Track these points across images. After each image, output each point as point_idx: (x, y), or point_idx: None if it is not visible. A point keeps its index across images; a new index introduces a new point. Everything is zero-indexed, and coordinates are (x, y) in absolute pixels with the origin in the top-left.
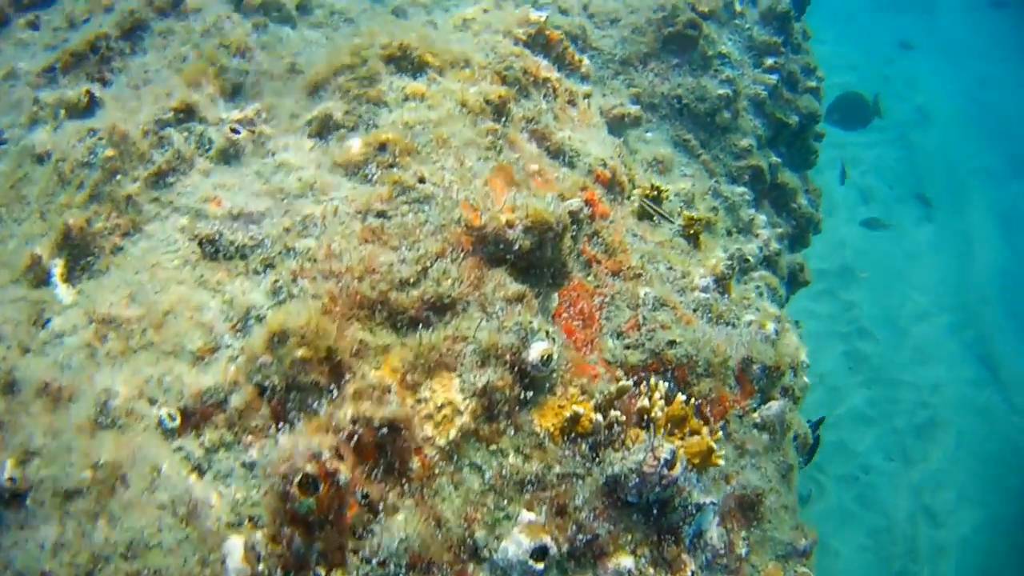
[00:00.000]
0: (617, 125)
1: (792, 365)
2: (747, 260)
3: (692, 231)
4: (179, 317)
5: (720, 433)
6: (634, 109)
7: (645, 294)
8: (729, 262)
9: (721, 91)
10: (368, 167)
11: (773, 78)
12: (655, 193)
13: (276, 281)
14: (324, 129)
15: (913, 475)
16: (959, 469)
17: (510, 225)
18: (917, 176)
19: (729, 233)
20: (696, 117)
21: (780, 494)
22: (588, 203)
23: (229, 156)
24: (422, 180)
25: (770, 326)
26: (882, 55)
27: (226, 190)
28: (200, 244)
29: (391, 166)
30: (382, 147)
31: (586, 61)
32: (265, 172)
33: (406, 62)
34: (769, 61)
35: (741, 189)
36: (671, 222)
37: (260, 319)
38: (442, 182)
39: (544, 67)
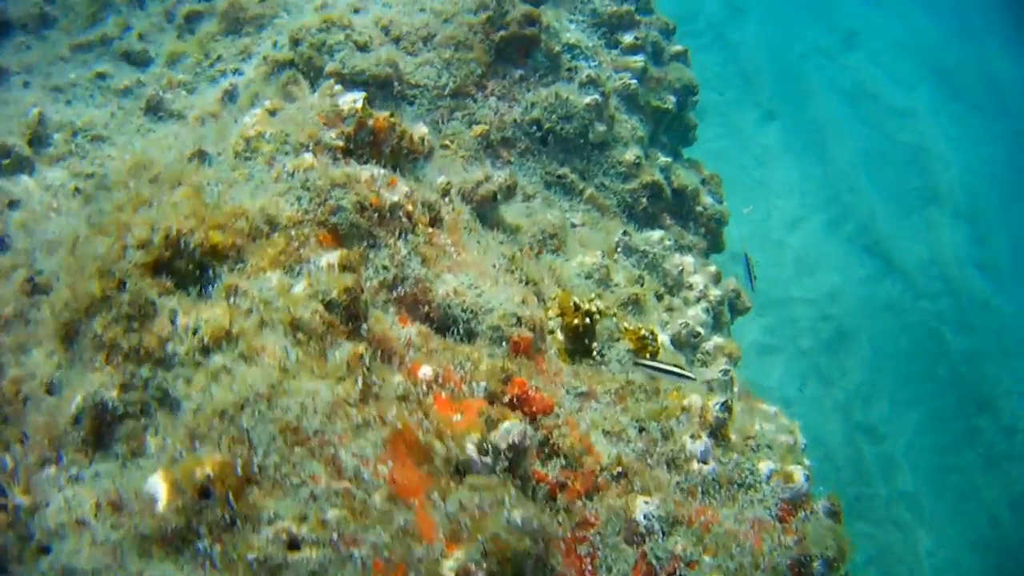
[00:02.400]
0: (490, 209)
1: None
2: (697, 333)
3: (648, 351)
4: None
5: None
6: (501, 177)
7: (644, 515)
8: (721, 406)
9: (587, 99)
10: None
11: (639, 60)
12: (644, 340)
13: None
14: (99, 438)
15: (836, 394)
16: (882, 375)
17: None
18: (745, 76)
19: (660, 297)
20: (565, 142)
21: None
22: (520, 400)
23: None
24: (292, 545)
25: (798, 475)
26: None
27: None
28: None
29: (226, 526)
30: (203, 494)
31: (425, 133)
32: None
33: (183, 260)
34: (627, 38)
35: (657, 235)
36: (688, 377)
37: None
38: (320, 534)
39: (383, 186)
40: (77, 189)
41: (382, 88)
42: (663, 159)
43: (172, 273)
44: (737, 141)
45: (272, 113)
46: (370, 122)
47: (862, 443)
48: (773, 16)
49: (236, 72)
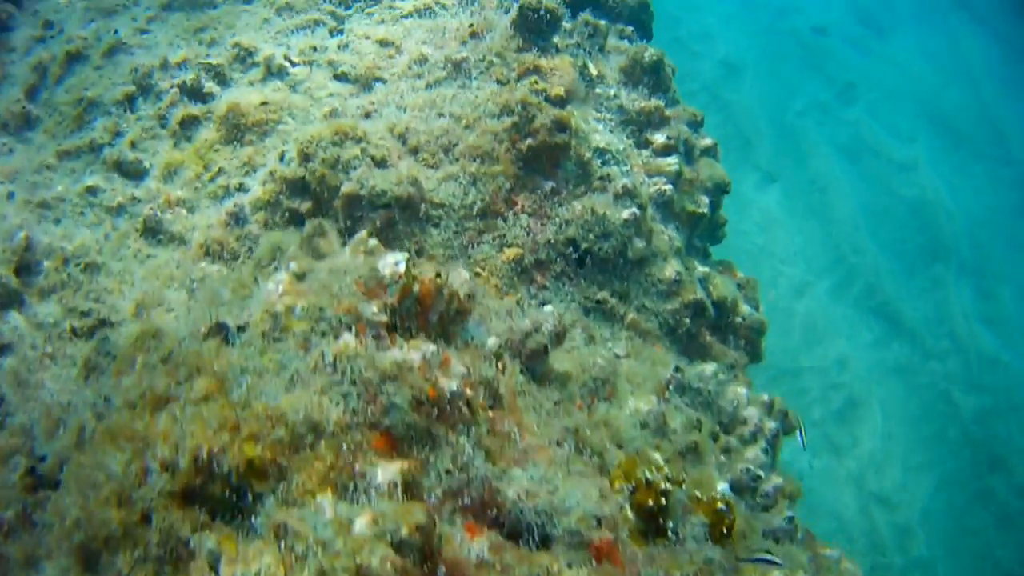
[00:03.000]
0: (539, 362)
1: None
2: (758, 476)
3: (724, 524)
4: None
5: None
6: (549, 324)
7: None
8: None
9: (625, 214)
10: None
11: (673, 162)
12: (720, 514)
13: None
14: None
15: (849, 465)
16: (894, 442)
17: None
18: (744, 138)
19: (715, 438)
20: (603, 262)
21: None
22: None
23: None
24: None
25: None
26: (669, 17)
27: None
28: None
29: None
30: None
31: (467, 280)
32: None
33: (217, 485)
34: (659, 138)
35: (710, 369)
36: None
37: None
38: None
39: (437, 368)
40: (73, 331)
41: (404, 209)
42: (700, 269)
43: (204, 500)
44: (738, 206)
45: (300, 277)
46: (415, 288)
47: (876, 513)
48: (769, 73)
49: (240, 188)
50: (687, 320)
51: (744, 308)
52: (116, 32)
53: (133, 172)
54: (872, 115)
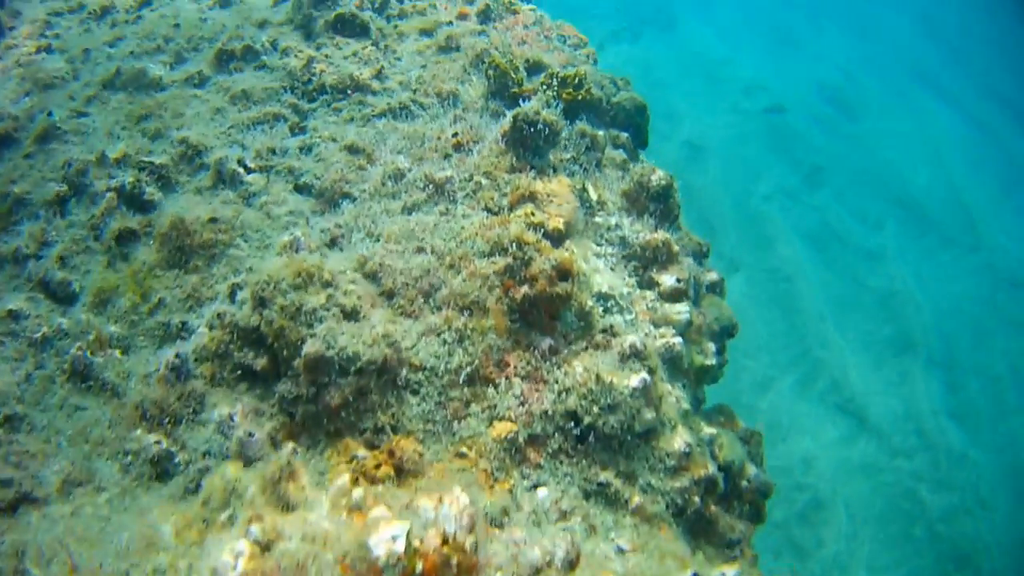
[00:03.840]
0: None
1: None
2: None
3: None
4: None
5: None
6: (560, 549)
7: None
8: None
9: (633, 381)
10: None
11: (682, 311)
12: None
13: None
14: None
15: (813, 568)
16: (859, 544)
17: None
18: (708, 224)
19: None
20: (608, 438)
21: None
22: None
23: None
24: None
25: None
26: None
27: None
28: None
29: None
30: None
31: (471, 529)
32: None
33: None
34: (667, 281)
35: (731, 574)
36: None
37: None
38: None
39: None
40: None
41: (379, 376)
42: (707, 430)
43: None
44: None
45: (264, 547)
46: (419, 566)
47: None
48: (734, 155)
49: (183, 330)
50: (697, 499)
51: (750, 469)
52: (50, 114)
53: (61, 295)
54: (839, 200)
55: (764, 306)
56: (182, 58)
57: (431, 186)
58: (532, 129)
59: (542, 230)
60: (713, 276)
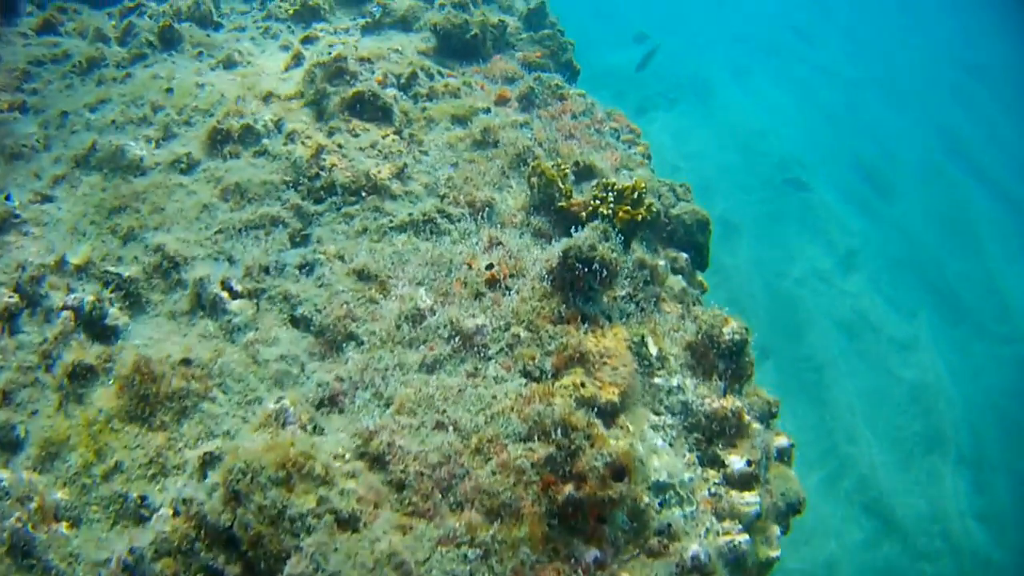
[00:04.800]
0: None
1: None
2: None
3: None
4: None
5: None
6: None
7: None
8: None
9: None
10: None
11: (753, 503)
12: None
13: None
14: None
15: None
16: None
17: None
18: (738, 306)
19: None
20: None
21: None
22: None
23: None
24: None
25: None
26: (669, 167)
27: None
28: None
29: None
30: None
31: None
32: None
33: None
34: (736, 464)
35: None
36: None
37: None
38: None
39: None
40: None
41: None
42: None
43: None
44: None
45: None
46: None
47: None
48: (768, 234)
49: (143, 505)
50: None
51: None
52: (8, 198)
53: (3, 440)
54: (874, 285)
55: (794, 397)
56: (171, 133)
57: (457, 337)
58: (586, 269)
59: (594, 407)
60: (783, 442)
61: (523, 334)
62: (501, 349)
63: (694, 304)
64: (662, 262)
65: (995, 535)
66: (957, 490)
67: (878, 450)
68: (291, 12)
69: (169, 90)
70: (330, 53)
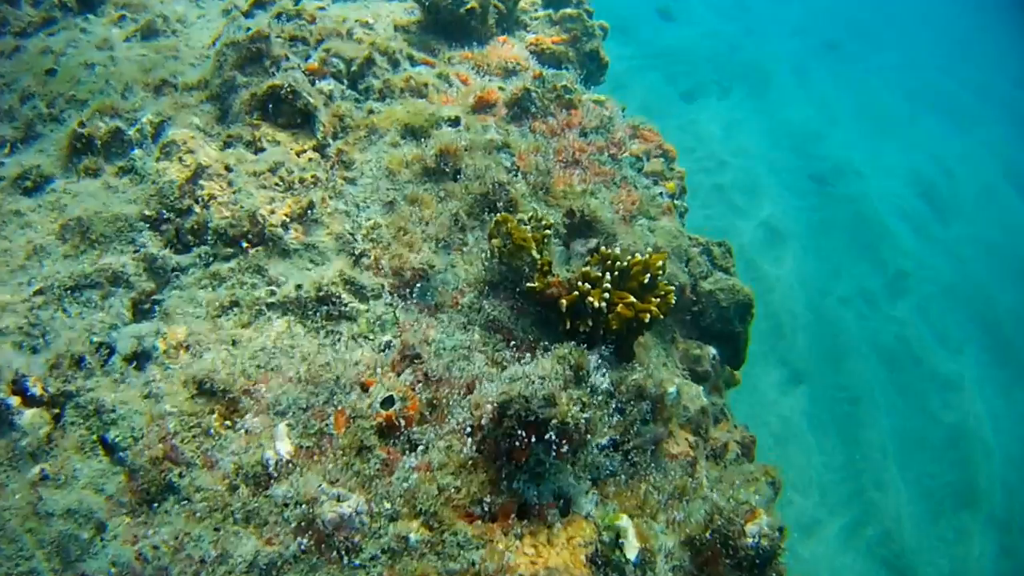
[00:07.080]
0: None
1: None
2: None
3: None
4: None
5: None
6: None
7: None
8: None
9: None
10: None
11: None
12: None
13: None
14: None
15: None
16: None
17: None
18: (776, 322)
19: None
20: None
21: None
22: None
23: None
24: None
25: None
26: (715, 160)
27: None
28: None
29: None
30: None
31: None
32: None
33: None
34: None
35: None
36: None
37: None
38: None
39: None
40: None
41: None
42: None
43: None
44: (754, 409)
45: None
46: None
47: None
48: (815, 246)
49: None
50: None
51: None
52: None
53: None
54: (921, 314)
55: (824, 430)
56: (33, 133)
57: (310, 533)
58: (533, 438)
59: None
60: None
61: (415, 535)
62: (376, 557)
63: (715, 424)
64: (672, 388)
65: None
66: (983, 552)
67: (907, 499)
68: None
69: (51, 71)
70: (281, 24)
